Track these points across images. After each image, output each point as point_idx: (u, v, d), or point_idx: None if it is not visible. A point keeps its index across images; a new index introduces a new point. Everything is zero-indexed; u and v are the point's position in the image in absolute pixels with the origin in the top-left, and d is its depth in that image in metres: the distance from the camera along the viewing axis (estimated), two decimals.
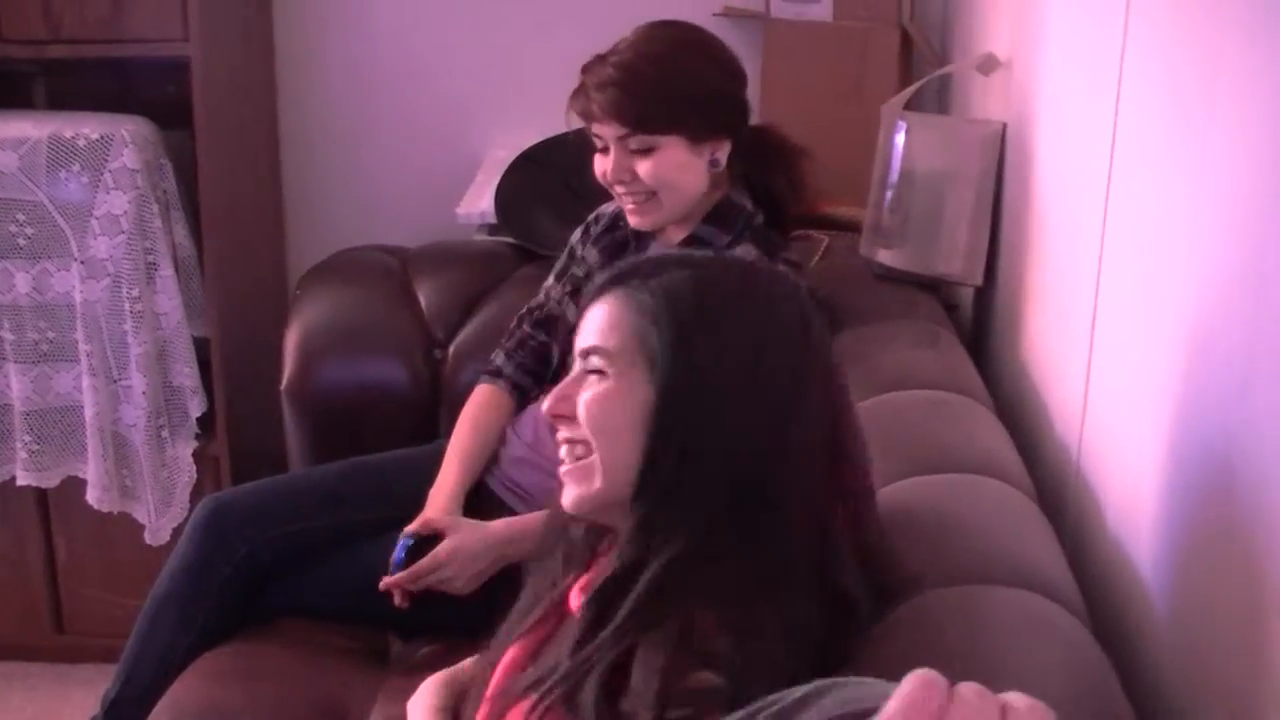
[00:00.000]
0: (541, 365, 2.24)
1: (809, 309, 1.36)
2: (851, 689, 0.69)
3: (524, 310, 2.28)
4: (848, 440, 1.36)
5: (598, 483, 1.33)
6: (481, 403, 2.23)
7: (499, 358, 2.26)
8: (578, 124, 2.12)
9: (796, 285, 1.41)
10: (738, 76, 2.12)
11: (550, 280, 2.29)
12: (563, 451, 1.38)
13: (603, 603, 1.26)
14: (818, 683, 0.71)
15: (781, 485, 1.28)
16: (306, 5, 3.19)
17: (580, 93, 2.08)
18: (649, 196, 2.07)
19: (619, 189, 2.09)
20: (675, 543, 1.25)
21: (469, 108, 3.23)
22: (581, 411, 1.34)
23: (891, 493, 1.56)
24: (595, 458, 1.33)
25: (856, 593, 1.31)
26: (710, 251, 2.04)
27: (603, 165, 2.09)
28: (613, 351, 1.33)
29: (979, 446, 1.76)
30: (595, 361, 1.34)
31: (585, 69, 2.08)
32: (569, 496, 1.37)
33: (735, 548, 1.26)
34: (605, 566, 1.30)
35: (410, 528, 2.05)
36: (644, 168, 2.04)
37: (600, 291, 1.38)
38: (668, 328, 1.30)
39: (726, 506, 1.27)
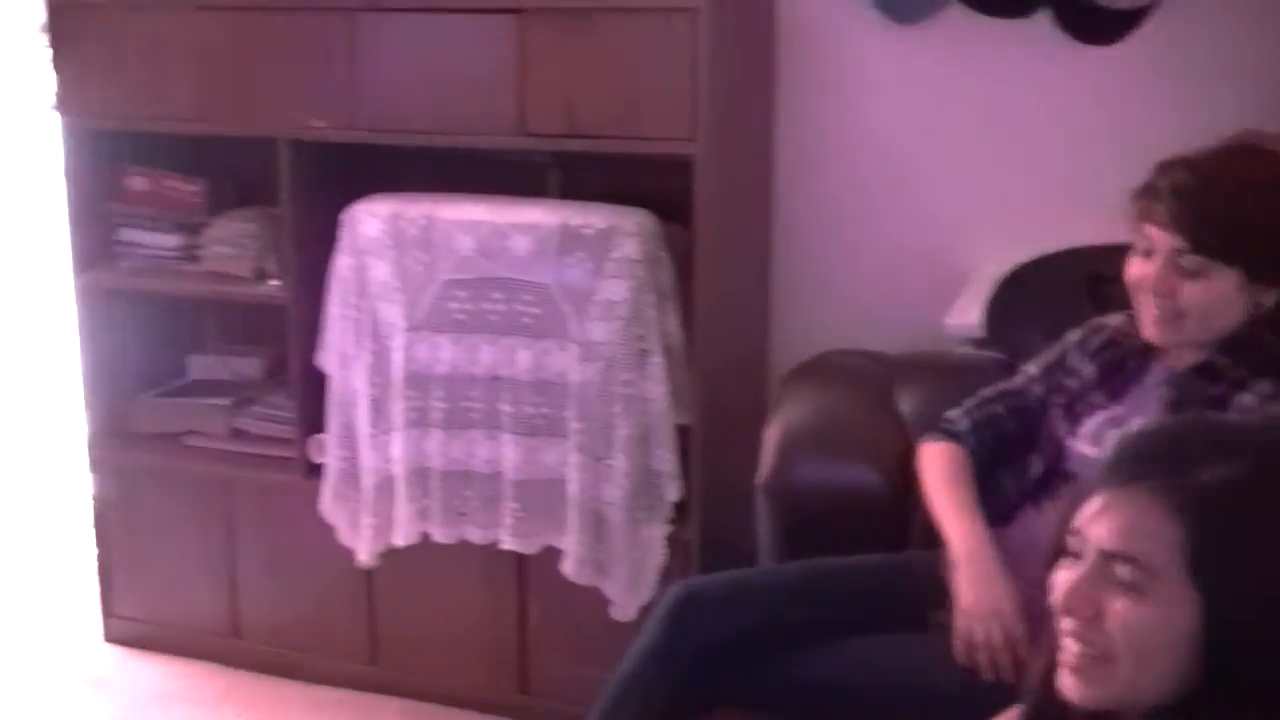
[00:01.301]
0: (1000, 447, 2.18)
1: None
2: None
3: (1000, 389, 2.24)
4: None
5: (1118, 692, 1.27)
6: (955, 461, 2.18)
7: (962, 422, 2.22)
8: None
9: None
10: None
11: (1033, 369, 2.24)
12: (1069, 642, 1.30)
13: None
14: None
15: None
16: (809, 113, 3.27)
17: (1148, 192, 1.98)
18: (1177, 316, 1.96)
19: (1148, 298, 1.99)
20: None
21: (961, 221, 3.21)
22: (1117, 632, 1.25)
23: None
24: (1120, 671, 1.26)
25: None
26: (1222, 391, 1.95)
27: (1142, 270, 1.99)
28: (1154, 569, 1.23)
29: None
30: (1128, 574, 1.25)
31: (1162, 168, 1.98)
32: (1078, 691, 1.31)
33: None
34: None
35: None
36: (1186, 290, 1.94)
37: (1127, 482, 1.28)
38: (1220, 548, 1.22)
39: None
